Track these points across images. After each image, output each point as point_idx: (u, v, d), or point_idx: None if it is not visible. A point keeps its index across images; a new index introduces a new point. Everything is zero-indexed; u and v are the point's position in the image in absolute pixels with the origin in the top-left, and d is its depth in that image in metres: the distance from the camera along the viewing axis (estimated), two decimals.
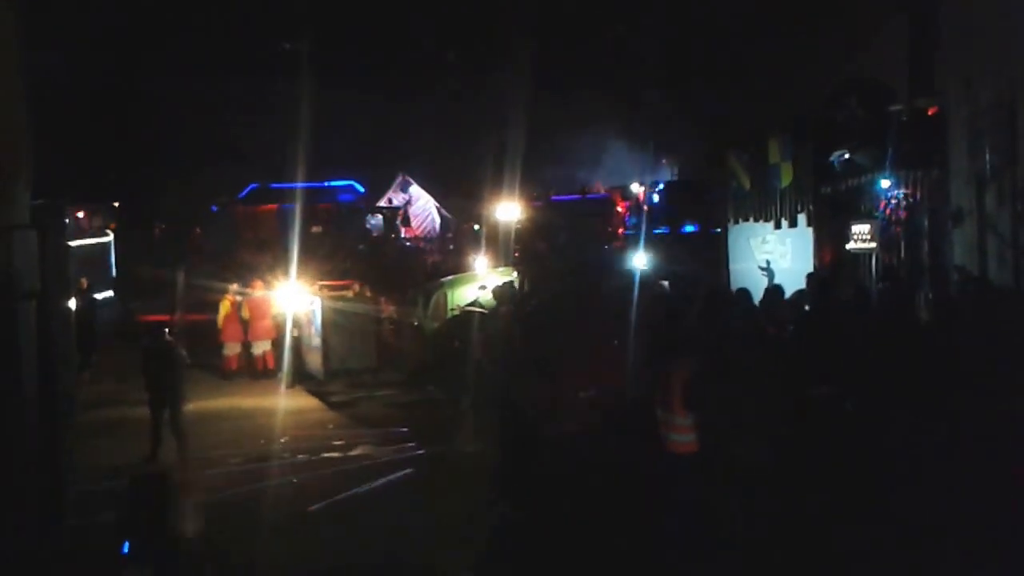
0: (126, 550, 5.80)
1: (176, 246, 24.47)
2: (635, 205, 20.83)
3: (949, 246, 12.19)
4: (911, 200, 13.13)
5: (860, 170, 13.93)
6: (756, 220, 15.55)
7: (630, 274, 14.33)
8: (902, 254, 12.93)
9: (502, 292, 14.09)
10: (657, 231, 18.88)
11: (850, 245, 13.58)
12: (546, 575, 7.01)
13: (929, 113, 13.47)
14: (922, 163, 13.11)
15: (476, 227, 23.54)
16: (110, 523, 7.01)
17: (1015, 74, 11.68)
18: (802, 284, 12.21)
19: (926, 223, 12.79)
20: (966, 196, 12.12)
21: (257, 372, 16.66)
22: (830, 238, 14.04)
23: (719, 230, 17.12)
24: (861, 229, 13.41)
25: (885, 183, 13.38)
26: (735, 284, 12.75)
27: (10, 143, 6.18)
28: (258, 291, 17.16)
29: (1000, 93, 11.86)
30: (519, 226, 20.42)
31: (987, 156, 11.94)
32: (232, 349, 16.81)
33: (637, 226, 19.62)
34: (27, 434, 6.28)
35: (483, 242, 21.88)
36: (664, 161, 23.06)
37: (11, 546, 6.15)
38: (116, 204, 25.44)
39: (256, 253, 20.21)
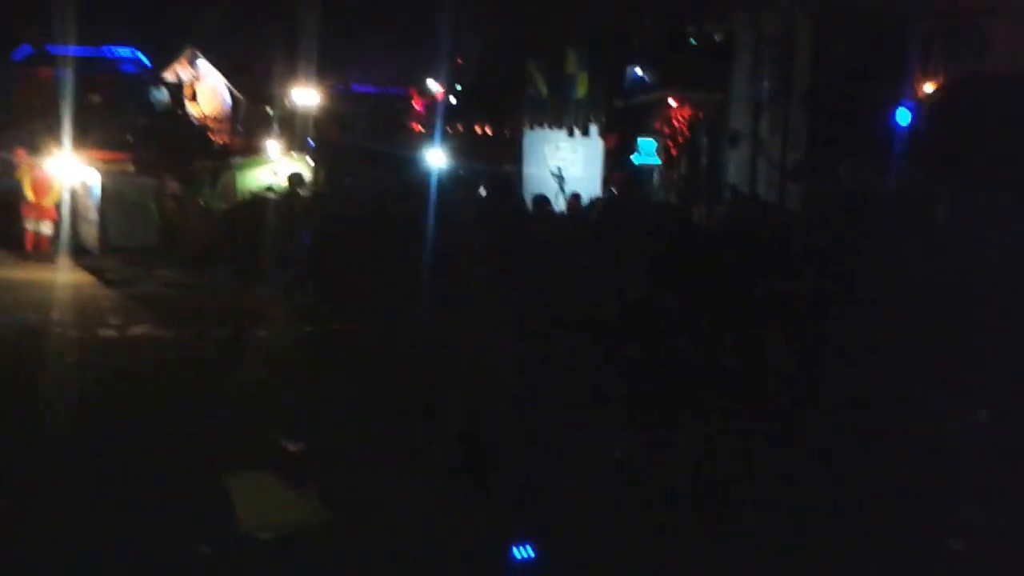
0: None
1: None
2: (432, 103, 20.30)
3: (725, 166, 12.70)
4: (694, 120, 13.53)
5: (650, 88, 14.16)
6: (551, 127, 15.52)
7: (427, 171, 14.00)
8: (683, 170, 13.36)
9: (296, 178, 13.44)
10: (452, 131, 18.52)
11: (635, 158, 13.85)
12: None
13: (717, 40, 13.81)
14: (706, 86, 13.49)
15: (269, 110, 22.21)
16: None
17: (796, 10, 12.11)
18: (592, 191, 12.34)
19: (706, 142, 13.24)
20: (743, 121, 12.60)
21: (40, 247, 15.22)
22: (620, 150, 14.26)
23: (517, 134, 17.00)
24: (647, 144, 13.70)
25: (672, 102, 13.68)
26: (528, 188, 12.69)
27: None
28: (34, 166, 15.53)
29: (781, 27, 12.29)
30: (316, 113, 19.47)
31: (765, 85, 12.42)
32: (29, 224, 15.25)
33: (433, 124, 19.13)
34: None
35: (276, 126, 20.73)
36: (460, 62, 22.52)
37: None
38: None
39: (29, 120, 18.17)
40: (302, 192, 13.47)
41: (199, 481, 5.69)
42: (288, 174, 14.16)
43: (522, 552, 5.06)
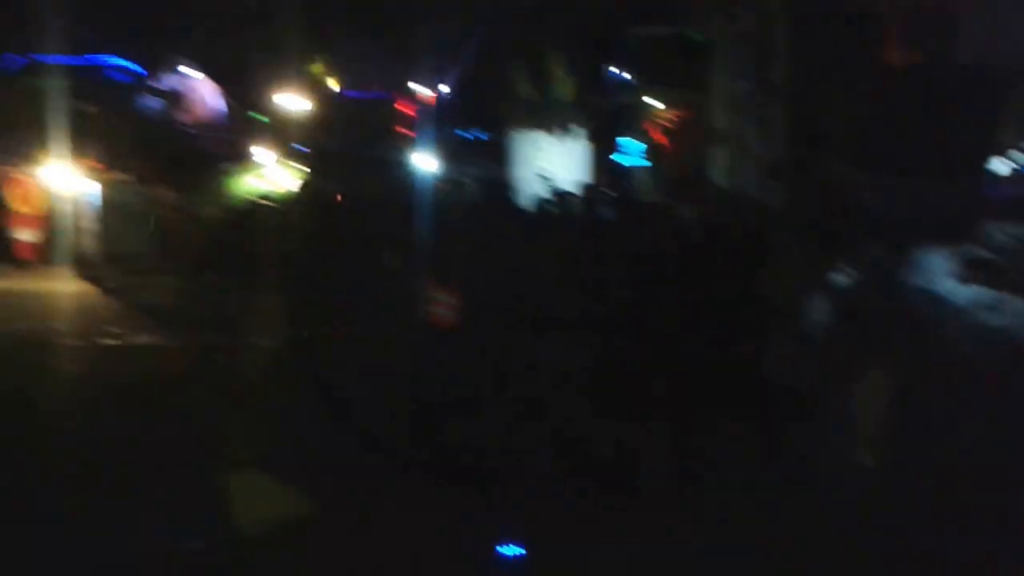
0: None
1: None
2: (423, 108, 20.27)
3: (709, 165, 12.73)
4: (677, 120, 13.57)
5: (634, 88, 14.20)
6: (537, 129, 15.55)
7: (416, 173, 14.02)
8: (668, 170, 13.39)
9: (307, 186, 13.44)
10: (444, 135, 18.51)
11: (620, 158, 13.89)
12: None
13: (695, 38, 13.84)
14: (688, 86, 13.53)
15: (260, 117, 22.15)
16: None
17: (772, 8, 12.14)
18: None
19: (689, 142, 13.26)
20: (725, 120, 12.64)
21: (31, 258, 15.18)
22: (605, 151, 14.29)
23: (504, 137, 17.02)
24: (631, 144, 13.74)
25: (654, 102, 13.72)
26: (519, 191, 12.70)
27: None
28: (21, 176, 15.49)
29: (759, 24, 12.32)
30: (306, 119, 19.40)
31: (744, 83, 12.47)
32: (18, 234, 15.17)
33: (425, 128, 19.10)
34: None
35: (268, 133, 20.65)
36: (448, 66, 22.48)
37: None
38: None
39: (25, 132, 18.04)
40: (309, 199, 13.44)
41: (194, 481, 5.99)
42: (298, 181, 14.13)
43: (510, 551, 5.14)
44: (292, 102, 20.11)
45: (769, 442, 5.72)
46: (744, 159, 12.30)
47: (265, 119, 20.92)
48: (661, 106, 13.66)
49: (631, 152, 13.85)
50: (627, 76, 14.28)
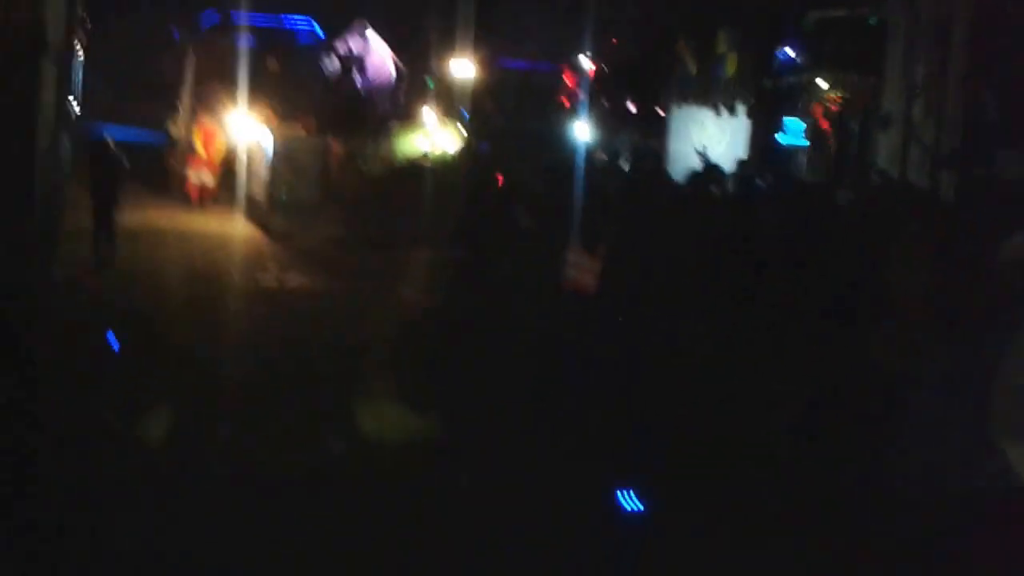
0: None
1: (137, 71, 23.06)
2: (583, 79, 20.26)
3: (875, 150, 12.18)
4: (844, 102, 13.04)
5: (801, 68, 13.73)
6: (699, 105, 15.30)
7: (573, 144, 14.10)
8: (831, 153, 12.91)
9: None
10: (604, 106, 18.47)
11: (782, 138, 13.48)
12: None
13: (871, 21, 13.23)
14: (858, 68, 12.97)
15: (428, 80, 22.73)
16: None
17: None
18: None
19: (856, 126, 12.73)
20: (896, 105, 12.04)
21: (205, 199, 16.30)
22: (766, 130, 13.91)
23: (662, 111, 16.83)
24: (795, 124, 13.31)
25: (822, 83, 13.23)
26: (675, 165, 12.54)
27: None
28: (208, 123, 16.59)
29: (939, 8, 11.65)
30: (471, 85, 19.78)
31: (920, 67, 11.83)
32: (196, 177, 16.37)
33: (586, 99, 19.13)
34: None
35: (434, 96, 21.17)
36: (614, 40, 22.36)
37: None
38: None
39: (213, 84, 19.18)
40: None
41: (332, 405, 6.76)
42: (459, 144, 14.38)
43: (629, 501, 5.19)
44: (460, 68, 20.55)
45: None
46: (914, 147, 11.69)
47: (433, 83, 21.50)
48: (829, 88, 13.12)
49: (794, 133, 13.41)
50: (797, 56, 13.78)
